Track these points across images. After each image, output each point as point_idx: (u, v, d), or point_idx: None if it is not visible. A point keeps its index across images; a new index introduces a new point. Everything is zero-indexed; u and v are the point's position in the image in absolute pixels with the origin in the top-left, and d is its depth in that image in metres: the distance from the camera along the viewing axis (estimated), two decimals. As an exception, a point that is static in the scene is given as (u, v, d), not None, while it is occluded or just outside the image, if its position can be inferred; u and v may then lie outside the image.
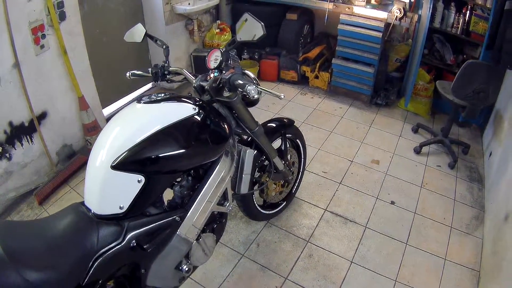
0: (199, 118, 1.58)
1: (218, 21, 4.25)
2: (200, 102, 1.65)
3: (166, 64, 1.90)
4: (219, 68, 1.73)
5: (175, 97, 1.61)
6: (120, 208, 1.38)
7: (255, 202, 2.41)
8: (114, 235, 1.36)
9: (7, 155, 2.80)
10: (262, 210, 2.49)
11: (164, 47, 1.90)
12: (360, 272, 2.32)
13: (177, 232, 1.57)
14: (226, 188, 1.83)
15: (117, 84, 3.89)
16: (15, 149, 2.86)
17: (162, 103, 1.56)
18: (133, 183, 1.38)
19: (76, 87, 3.11)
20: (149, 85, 4.31)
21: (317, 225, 2.62)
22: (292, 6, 4.03)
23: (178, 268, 1.67)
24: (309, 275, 2.29)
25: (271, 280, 2.27)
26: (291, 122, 2.45)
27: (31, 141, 2.96)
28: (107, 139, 1.45)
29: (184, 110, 1.56)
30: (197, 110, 1.58)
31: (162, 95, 1.61)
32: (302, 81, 4.31)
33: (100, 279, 1.33)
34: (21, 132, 2.87)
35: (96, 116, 3.37)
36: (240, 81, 1.58)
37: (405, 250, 2.46)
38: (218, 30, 4.18)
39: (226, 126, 1.73)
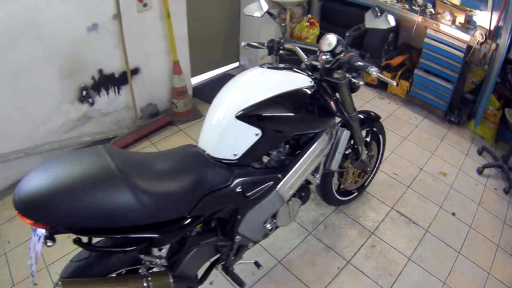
0: (313, 91, 1.71)
1: (309, 15, 4.37)
2: (314, 77, 1.77)
3: (282, 41, 2.03)
4: (332, 52, 1.84)
5: (293, 68, 1.75)
6: (234, 155, 1.52)
7: (332, 186, 2.51)
8: (224, 178, 1.49)
9: (90, 100, 2.96)
10: (336, 195, 2.58)
11: (282, 24, 2.04)
12: (415, 269, 2.38)
13: (276, 188, 1.70)
14: (320, 162, 1.96)
15: (207, 57, 4.10)
16: (100, 97, 3.02)
17: (284, 71, 1.70)
18: (251, 134, 1.53)
19: (174, 51, 3.28)
20: (235, 65, 4.51)
21: (382, 220, 2.69)
22: None
23: (265, 224, 1.80)
24: (370, 263, 2.38)
25: (334, 260, 2.37)
26: (378, 117, 2.52)
27: (118, 92, 3.14)
28: (233, 93, 1.61)
29: (302, 80, 1.70)
30: (313, 83, 1.72)
31: (282, 65, 1.75)
32: (381, 86, 4.34)
33: (203, 214, 1.45)
34: (110, 82, 3.03)
35: (186, 83, 3.54)
36: (360, 63, 1.68)
37: (456, 258, 2.50)
38: (308, 24, 4.29)
39: (333, 104, 1.85)
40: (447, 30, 3.55)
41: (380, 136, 2.65)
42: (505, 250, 2.64)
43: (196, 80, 4.03)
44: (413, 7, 3.84)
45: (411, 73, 4.04)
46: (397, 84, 1.89)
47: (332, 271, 2.31)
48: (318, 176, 2.02)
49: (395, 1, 3.97)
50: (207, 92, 3.97)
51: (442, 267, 2.43)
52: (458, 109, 3.89)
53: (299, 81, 1.70)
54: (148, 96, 3.45)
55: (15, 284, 2.09)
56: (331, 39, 1.84)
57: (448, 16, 3.55)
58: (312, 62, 1.85)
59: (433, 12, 3.71)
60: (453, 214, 2.84)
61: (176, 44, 3.29)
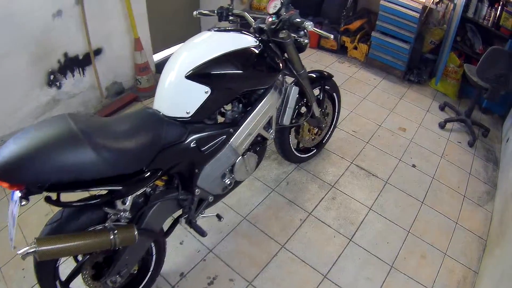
0: (258, 50, 1.85)
1: (267, -15, 4.43)
2: (260, 38, 1.90)
3: (231, 7, 2.14)
4: (277, 14, 1.95)
5: (240, 30, 1.88)
6: (187, 113, 1.63)
7: (291, 142, 2.64)
8: (178, 134, 1.60)
9: (58, 83, 3.02)
10: (295, 152, 2.72)
11: None
12: (376, 218, 2.54)
13: (229, 142, 1.83)
14: (272, 117, 2.08)
15: (168, 33, 4.12)
16: (66, 79, 3.07)
17: (231, 32, 1.83)
18: (201, 92, 1.64)
19: (134, 29, 3.32)
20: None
21: (342, 174, 2.84)
22: None
23: (223, 178, 1.93)
24: (330, 214, 2.53)
25: (296, 213, 2.52)
26: (330, 75, 2.65)
27: (83, 73, 3.19)
28: (183, 55, 1.71)
29: (248, 40, 1.83)
30: (257, 43, 1.85)
31: (230, 27, 1.88)
32: (341, 50, 4.48)
33: (162, 168, 1.55)
34: (75, 64, 3.09)
35: (148, 59, 3.58)
36: (298, 19, 1.83)
37: (420, 208, 2.66)
38: (266, -6, 4.37)
39: (279, 61, 1.97)
40: (403, -9, 3.68)
41: (334, 94, 2.77)
42: (472, 200, 2.81)
43: (159, 56, 4.07)
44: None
45: (370, 36, 4.17)
46: (332, 37, 2.04)
47: (295, 223, 2.46)
48: (271, 131, 2.14)
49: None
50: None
51: (405, 216, 2.59)
52: (417, 68, 4.06)
53: (245, 41, 1.82)
54: (112, 74, 3.49)
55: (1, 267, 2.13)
56: (276, 2, 1.95)
57: (403, -22, 3.66)
58: (259, 25, 1.96)
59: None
60: (413, 166, 3.01)
61: (136, 22, 3.33)
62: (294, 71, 2.16)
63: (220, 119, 1.91)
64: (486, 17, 3.68)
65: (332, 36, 2.08)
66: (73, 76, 3.13)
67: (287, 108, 2.22)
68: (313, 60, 4.36)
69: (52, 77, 2.95)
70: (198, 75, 1.62)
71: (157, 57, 4.03)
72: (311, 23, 1.81)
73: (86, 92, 3.30)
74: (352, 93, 3.81)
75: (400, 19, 3.80)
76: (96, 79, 3.30)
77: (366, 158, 3.02)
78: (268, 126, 2.10)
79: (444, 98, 3.93)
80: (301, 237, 2.37)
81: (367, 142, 3.19)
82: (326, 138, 2.95)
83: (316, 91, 2.55)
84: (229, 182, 1.95)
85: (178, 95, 1.63)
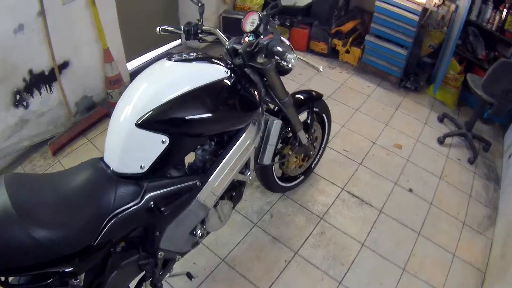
0: (230, 82, 1.52)
1: (251, -17, 4.10)
2: (232, 66, 1.58)
3: (199, 23, 1.81)
4: (255, 32, 1.64)
5: (207, 58, 1.54)
6: (141, 168, 1.34)
7: (274, 173, 2.37)
8: (132, 195, 1.31)
9: (24, 103, 2.79)
10: (279, 182, 2.45)
11: (199, 4, 1.80)
12: (369, 256, 2.30)
13: (197, 197, 1.54)
14: (249, 158, 1.79)
15: (143, 39, 3.82)
16: (33, 98, 2.85)
17: (193, 62, 1.49)
18: (156, 143, 1.34)
19: (102, 39, 3.05)
20: (176, 42, 4.22)
21: (332, 203, 2.59)
22: None
23: (193, 233, 1.66)
24: (319, 252, 2.28)
25: (281, 252, 2.26)
26: (319, 95, 2.37)
27: (50, 90, 2.94)
28: (134, 96, 1.39)
29: (215, 72, 1.49)
30: (228, 74, 1.52)
31: (194, 54, 1.53)
32: (332, 54, 4.17)
33: (113, 239, 1.30)
34: (41, 80, 2.85)
35: (120, 70, 3.31)
36: (279, 48, 1.46)
37: (416, 240, 2.42)
38: (250, -7, 4.04)
39: (256, 93, 1.65)
40: (402, -9, 3.36)
41: (324, 115, 2.50)
42: (472, 227, 2.58)
43: (136, 63, 3.78)
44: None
45: (363, 39, 3.86)
46: (322, 69, 1.71)
47: (279, 264, 2.20)
48: (249, 173, 1.86)
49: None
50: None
51: (400, 250, 2.35)
52: (414, 74, 3.77)
53: (212, 73, 1.49)
54: (81, 89, 3.21)
55: None
56: (254, 17, 1.64)
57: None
58: (234, 45, 1.64)
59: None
60: (410, 190, 2.75)
61: (105, 31, 3.06)
62: (276, 100, 1.87)
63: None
64: (490, 20, 3.39)
65: (321, 68, 1.75)
66: (40, 93, 2.89)
67: (268, 146, 1.92)
68: (302, 66, 4.02)
69: (18, 96, 2.72)
70: (152, 122, 1.32)
71: (134, 64, 3.73)
72: (294, 55, 1.44)
73: (55, 109, 3.05)
74: (344, 104, 3.52)
75: (397, 22, 3.49)
76: (63, 95, 3.03)
77: (359, 182, 2.76)
78: (245, 167, 1.82)
79: (442, 108, 3.66)
80: (286, 281, 2.12)
81: (360, 164, 2.92)
82: (315, 163, 2.68)
83: (304, 114, 2.28)
84: (200, 234, 1.68)
85: (128, 147, 1.33)
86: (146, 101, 1.34)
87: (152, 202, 1.36)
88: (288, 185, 2.55)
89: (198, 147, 1.64)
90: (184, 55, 1.52)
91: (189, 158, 1.62)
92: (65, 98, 3.05)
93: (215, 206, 1.69)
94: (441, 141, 3.21)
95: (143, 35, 3.77)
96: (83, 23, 2.96)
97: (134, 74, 3.64)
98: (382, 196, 2.68)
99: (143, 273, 1.59)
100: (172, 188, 1.44)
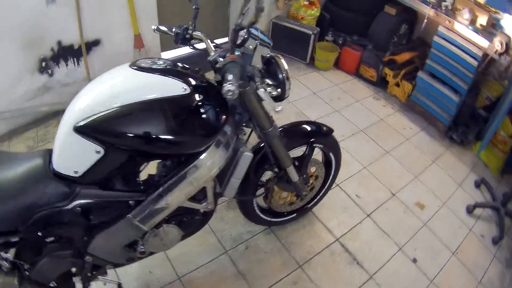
0: (186, 102, 1.34)
1: (309, -8, 3.82)
2: (197, 83, 1.38)
3: (191, 27, 1.62)
4: (241, 46, 1.42)
5: (171, 71, 1.38)
6: (75, 172, 1.29)
7: (255, 206, 2.12)
8: (62, 196, 1.30)
9: (49, 71, 2.88)
10: (261, 215, 2.19)
11: (194, 7, 1.61)
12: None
13: (128, 216, 1.40)
14: (207, 187, 1.58)
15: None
16: (59, 68, 2.93)
17: (154, 74, 1.34)
18: (90, 152, 1.26)
19: (134, 23, 3.03)
20: (225, 39, 4.05)
21: (319, 253, 2.27)
22: (392, 1, 3.46)
23: (131, 247, 1.55)
24: (283, 305, 2.01)
25: (241, 291, 2.02)
26: (328, 131, 2.08)
27: (78, 64, 3.00)
28: (81, 97, 1.34)
29: (171, 87, 1.33)
30: (187, 92, 1.33)
31: (162, 64, 1.39)
32: (381, 83, 3.76)
33: (39, 232, 1.33)
34: (69, 53, 2.91)
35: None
36: (228, 75, 1.25)
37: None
38: (306, 3, 3.75)
39: (222, 117, 1.44)
40: (463, 30, 2.92)
41: (331, 154, 2.19)
42: None
43: (171, 54, 3.69)
44: (426, -2, 3.21)
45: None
46: (280, 109, 1.40)
47: (232, 304, 1.97)
48: (206, 203, 1.64)
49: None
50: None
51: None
52: (465, 125, 3.26)
53: (167, 87, 1.32)
54: (108, 69, 3.18)
55: None
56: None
57: (466, 14, 2.90)
58: (217, 58, 1.44)
59: (451, 7, 3.07)
60: (414, 260, 2.34)
61: (142, 15, 3.03)
62: (257, 128, 1.64)
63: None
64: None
65: (278, 108, 1.41)
66: (67, 65, 2.96)
67: (232, 179, 1.67)
68: (344, 90, 3.72)
69: (44, 64, 2.83)
70: (90, 129, 1.23)
71: (169, 54, 3.65)
72: (231, 88, 1.20)
73: (80, 83, 3.08)
74: (375, 141, 3.14)
75: (454, 63, 3.03)
76: (87, 72, 3.09)
77: (359, 237, 2.40)
78: (202, 195, 1.61)
79: (484, 171, 3.12)
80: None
81: (368, 215, 2.55)
82: (313, 203, 2.38)
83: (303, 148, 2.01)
84: (141, 251, 1.55)
85: (64, 149, 1.30)
86: (88, 105, 1.27)
87: (79, 208, 1.32)
88: (274, 220, 2.27)
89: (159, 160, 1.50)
90: (148, 62, 1.39)
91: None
92: (89, 76, 3.08)
93: (157, 227, 1.53)
94: (470, 210, 2.72)
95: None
96: (116, 5, 2.93)
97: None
98: (379, 259, 2.30)
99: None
100: (103, 200, 1.37)
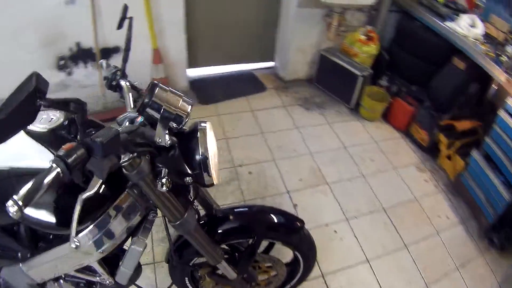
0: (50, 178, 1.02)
1: (368, 27, 3.22)
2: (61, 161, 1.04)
3: (118, 73, 1.30)
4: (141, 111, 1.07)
5: (60, 137, 1.17)
6: None
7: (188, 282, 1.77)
8: None
9: (68, 70, 2.93)
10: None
11: (125, 46, 1.33)
12: None
13: (20, 265, 1.29)
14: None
15: (217, 48, 3.49)
16: (77, 68, 2.94)
17: (31, 140, 1.14)
18: None
19: (153, 38, 2.92)
20: (269, 64, 3.83)
21: None
22: (462, 53, 2.71)
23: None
24: None
25: None
26: (294, 225, 1.63)
27: (96, 67, 2.99)
28: None
29: (38, 158, 1.11)
30: (53, 166, 0.93)
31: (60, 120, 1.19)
32: (431, 151, 3.06)
33: None
34: (87, 56, 2.93)
35: (177, 75, 3.22)
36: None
37: None
38: (363, 37, 3.18)
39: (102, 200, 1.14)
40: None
41: (297, 253, 1.74)
42: None
43: (198, 72, 3.50)
44: (500, 57, 2.47)
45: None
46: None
47: None
48: (102, 277, 1.38)
49: (478, 42, 2.60)
50: (205, 90, 3.38)
51: None
52: (510, 228, 2.47)
53: (33, 157, 1.13)
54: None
55: None
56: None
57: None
58: (127, 121, 1.10)
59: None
60: None
61: (167, 29, 2.94)
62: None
63: None
64: None
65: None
66: (86, 67, 3.00)
67: (121, 267, 1.36)
68: (383, 150, 3.10)
69: (62, 62, 2.88)
70: None
71: (195, 72, 3.49)
72: (13, 208, 0.74)
73: (98, 87, 3.09)
74: (396, 228, 2.51)
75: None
76: (100, 79, 3.01)
77: None
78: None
79: None
80: None
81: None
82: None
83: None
84: None
85: None
86: None
87: None
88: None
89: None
90: (46, 126, 1.18)
91: None
92: (101, 81, 3.03)
93: (57, 280, 1.39)
94: None
95: (219, 44, 3.47)
96: (139, 15, 2.77)
97: (194, 82, 3.39)
98: None
99: None
100: None
